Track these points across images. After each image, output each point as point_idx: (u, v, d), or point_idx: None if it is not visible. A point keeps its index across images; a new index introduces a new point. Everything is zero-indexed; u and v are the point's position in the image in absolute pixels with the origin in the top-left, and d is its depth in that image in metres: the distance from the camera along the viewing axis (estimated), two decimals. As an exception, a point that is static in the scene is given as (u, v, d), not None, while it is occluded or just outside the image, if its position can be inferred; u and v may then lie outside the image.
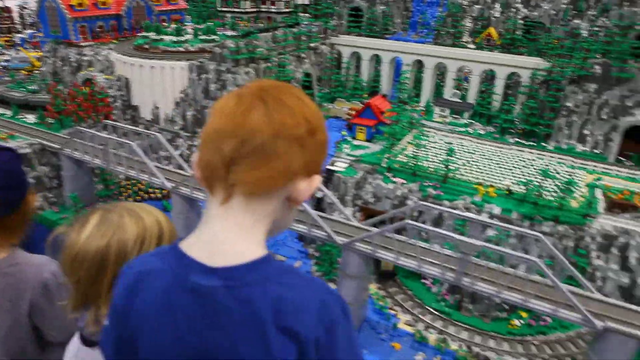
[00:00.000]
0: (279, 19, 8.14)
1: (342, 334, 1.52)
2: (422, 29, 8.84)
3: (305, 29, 6.19)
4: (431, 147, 7.31)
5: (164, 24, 6.65)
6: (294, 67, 6.00)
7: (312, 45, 6.27)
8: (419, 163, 5.77)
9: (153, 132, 4.62)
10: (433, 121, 6.95)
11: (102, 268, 2.12)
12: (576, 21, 7.50)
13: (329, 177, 5.19)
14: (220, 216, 1.53)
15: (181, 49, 5.64)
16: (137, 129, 4.59)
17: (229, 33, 6.50)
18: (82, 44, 6.41)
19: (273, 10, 8.34)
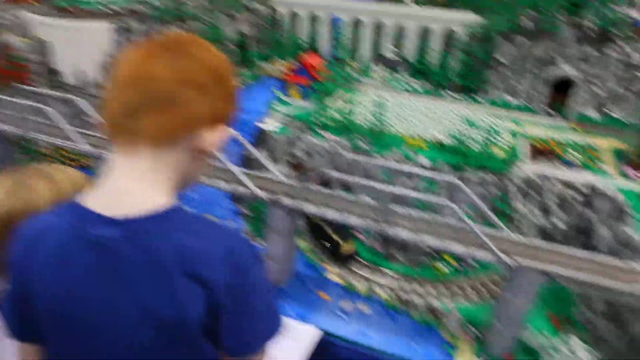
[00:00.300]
0: None
1: (255, 279, 1.52)
2: None
3: None
4: (365, 103, 7.28)
5: None
6: (227, 26, 5.79)
7: (246, 4, 6.04)
8: (350, 118, 5.83)
9: (76, 98, 4.40)
10: (370, 78, 6.97)
11: (12, 232, 2.06)
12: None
13: (262, 136, 5.18)
14: (124, 167, 1.51)
15: (105, 9, 5.30)
16: (58, 94, 4.35)
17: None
18: None
19: None
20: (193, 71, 1.50)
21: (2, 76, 4.94)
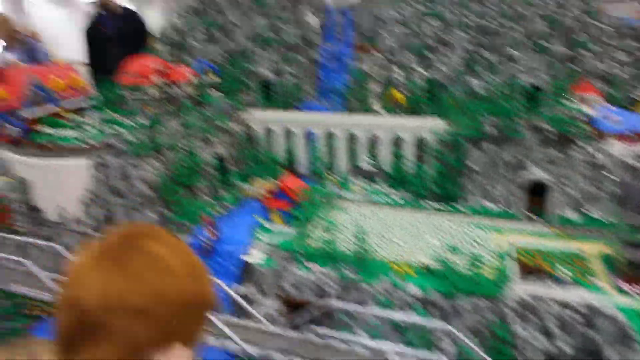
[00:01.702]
0: (187, 101, 8.04)
1: None
2: (331, 96, 8.99)
3: (215, 108, 6.05)
4: (347, 224, 6.73)
5: (66, 115, 6.39)
6: (204, 150, 5.86)
7: (222, 125, 6.12)
8: (333, 245, 5.45)
9: (50, 244, 4.24)
10: (350, 192, 6.72)
11: None
12: (471, 79, 7.98)
13: (248, 269, 4.91)
14: None
15: (83, 145, 5.39)
16: (39, 242, 4.22)
17: (136, 122, 6.33)
18: None
19: (179, 92, 8.29)
20: (128, 293, 1.32)
21: None
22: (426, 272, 4.46)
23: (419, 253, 4.79)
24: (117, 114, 6.54)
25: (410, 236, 5.17)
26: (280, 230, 5.44)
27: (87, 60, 12.71)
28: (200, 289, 1.52)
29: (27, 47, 12.75)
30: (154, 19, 14.62)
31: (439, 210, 5.79)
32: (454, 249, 4.65)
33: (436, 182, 6.18)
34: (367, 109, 7.82)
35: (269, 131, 7.30)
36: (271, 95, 8.09)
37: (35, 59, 12.60)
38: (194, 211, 5.56)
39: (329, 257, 4.71)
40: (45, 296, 4.37)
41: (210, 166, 6.26)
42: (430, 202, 6.01)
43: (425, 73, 8.06)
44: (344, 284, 4.52)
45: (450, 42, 8.25)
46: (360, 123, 6.97)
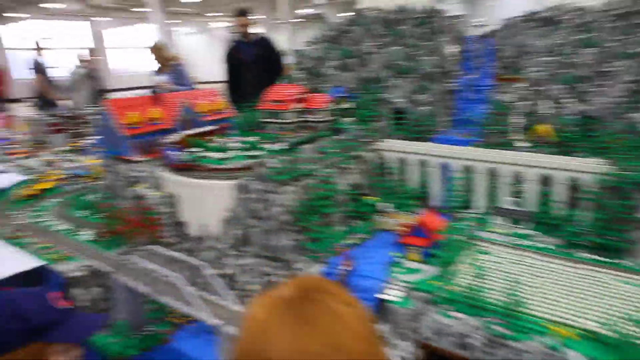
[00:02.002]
0: (322, 127, 8.15)
1: None
2: (469, 127, 8.35)
3: (349, 135, 6.00)
4: (491, 268, 5.94)
5: (210, 138, 6.98)
6: (338, 178, 5.82)
7: (356, 153, 6.08)
8: (478, 292, 4.84)
9: (201, 263, 4.48)
10: (490, 231, 5.97)
11: None
12: (635, 115, 6.66)
13: (383, 307, 4.61)
14: None
15: (226, 166, 5.75)
16: (184, 257, 4.52)
17: (273, 147, 6.60)
18: (135, 159, 6.85)
19: (315, 119, 8.42)
20: (319, 355, 1.30)
21: (137, 227, 5.46)
22: (593, 338, 3.85)
23: (581, 314, 4.17)
24: (256, 137, 6.77)
25: (569, 292, 4.55)
26: (418, 269, 5.12)
27: (225, 84, 13.60)
28: (376, 352, 1.51)
29: (175, 70, 14.03)
30: (282, 45, 15.27)
31: (601, 263, 5.07)
32: (628, 316, 3.98)
33: (596, 231, 5.44)
34: (508, 143, 7.27)
35: (402, 161, 7.07)
36: (404, 125, 7.89)
37: (181, 81, 13.81)
38: (329, 240, 5.47)
39: (474, 305, 4.28)
40: (187, 309, 4.50)
41: (344, 195, 6.17)
42: (587, 254, 5.30)
43: (578, 106, 7.31)
44: (491, 339, 4.06)
45: (608, 73, 7.41)
46: (502, 158, 6.45)
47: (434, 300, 4.53)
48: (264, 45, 13.21)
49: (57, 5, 39.54)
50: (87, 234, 6.42)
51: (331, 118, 7.08)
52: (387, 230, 6.02)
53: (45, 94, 18.18)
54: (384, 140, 7.07)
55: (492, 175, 6.49)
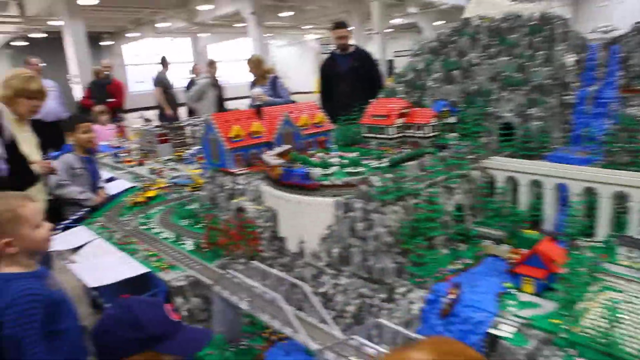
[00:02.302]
0: (426, 143, 7.78)
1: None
2: (588, 145, 7.35)
3: (454, 152, 5.54)
4: (625, 309, 4.80)
5: (309, 150, 7.01)
6: (443, 198, 5.44)
7: (462, 172, 5.65)
8: (610, 338, 4.01)
9: (301, 283, 4.36)
10: (619, 264, 4.99)
11: None
12: None
13: (493, 343, 4.19)
14: None
15: (327, 182, 5.69)
16: (283, 274, 4.49)
17: (375, 164, 6.42)
18: (237, 172, 7.12)
19: (419, 134, 8.11)
20: None
21: (237, 240, 5.60)
22: None
23: None
24: (356, 153, 6.60)
25: None
26: (534, 303, 4.63)
27: (320, 96, 13.66)
28: None
29: (271, 82, 14.36)
30: (374, 56, 15.05)
31: None
32: None
33: None
34: (638, 163, 6.44)
35: (511, 181, 6.53)
36: (514, 141, 7.32)
37: (277, 93, 14.09)
38: (433, 265, 5.14)
39: (607, 353, 3.73)
40: (286, 330, 4.40)
41: (449, 216, 5.79)
42: None
43: None
44: (629, 394, 3.50)
45: None
46: (631, 181, 5.70)
47: (556, 342, 4.03)
48: (360, 57, 13.13)
49: (166, 24, 42.72)
50: (188, 244, 6.63)
51: (435, 133, 6.74)
52: (496, 256, 5.55)
53: (163, 106, 19.52)
54: (491, 157, 6.59)
55: (619, 199, 5.77)
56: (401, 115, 6.65)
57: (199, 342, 3.19)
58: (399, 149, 6.55)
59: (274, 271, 4.81)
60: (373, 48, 32.76)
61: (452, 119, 7.40)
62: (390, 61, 44.87)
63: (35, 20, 34.26)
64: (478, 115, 7.22)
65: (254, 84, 14.29)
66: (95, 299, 9.68)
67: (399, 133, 6.66)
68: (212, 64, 19.37)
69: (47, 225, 3.96)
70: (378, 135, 6.72)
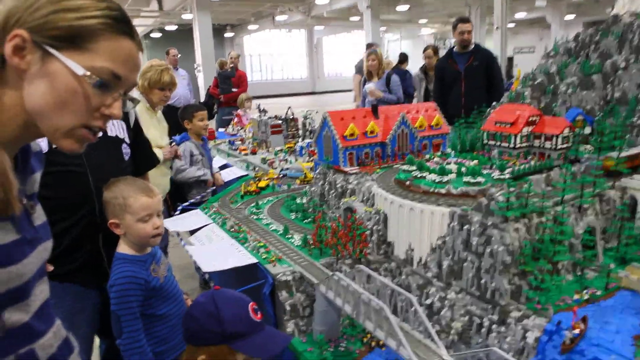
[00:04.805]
0: (555, 155, 6.85)
1: None
2: None
3: (588, 168, 4.74)
4: None
5: (424, 151, 6.74)
6: (573, 219, 4.78)
7: (597, 190, 4.86)
8: None
9: (408, 294, 4.24)
10: None
11: None
12: None
13: None
14: None
15: (442, 190, 5.38)
16: (389, 283, 4.38)
17: (496, 174, 5.94)
18: (349, 170, 7.07)
19: (548, 145, 7.31)
20: None
21: (345, 240, 5.60)
22: None
23: None
24: (475, 161, 6.22)
25: None
26: (682, 353, 3.98)
27: (436, 95, 13.17)
28: None
29: (384, 78, 14.12)
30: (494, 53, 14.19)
31: None
32: None
33: None
34: None
35: (657, 204, 5.72)
36: (662, 158, 6.39)
37: (392, 89, 13.79)
38: (555, 291, 4.68)
39: None
40: (389, 341, 4.26)
41: (578, 239, 5.23)
42: None
43: None
44: None
45: None
46: None
47: None
48: (481, 55, 12.42)
49: (284, 17, 44.27)
50: (296, 238, 6.73)
51: (567, 145, 6.13)
52: (634, 290, 4.90)
53: (356, 93, 19.23)
54: (634, 176, 5.84)
55: None
56: (529, 123, 6.13)
57: (275, 346, 3.17)
58: (524, 160, 6.06)
59: (380, 277, 4.69)
60: (491, 44, 30.94)
61: (587, 130, 6.68)
62: (510, 59, 42.11)
63: (170, 14, 37.62)
64: (619, 127, 6.43)
65: (368, 79, 14.15)
66: (205, 278, 10.34)
67: (525, 142, 6.16)
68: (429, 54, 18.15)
69: (156, 222, 4.15)
70: (502, 144, 6.27)
